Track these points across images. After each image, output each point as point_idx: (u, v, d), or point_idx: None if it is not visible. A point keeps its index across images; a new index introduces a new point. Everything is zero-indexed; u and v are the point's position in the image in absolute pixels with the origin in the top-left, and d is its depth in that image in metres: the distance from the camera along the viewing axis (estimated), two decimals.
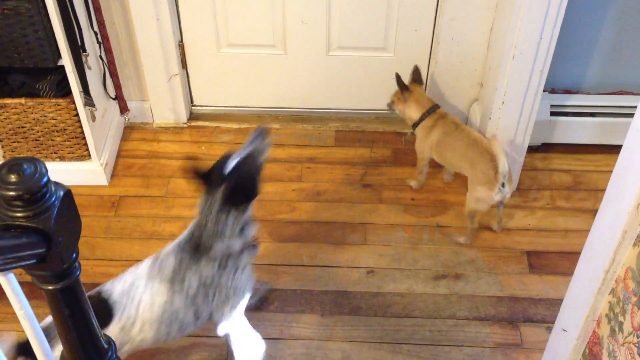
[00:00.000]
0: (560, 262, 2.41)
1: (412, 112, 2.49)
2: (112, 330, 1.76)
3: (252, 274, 1.92)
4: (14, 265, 1.05)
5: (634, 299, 1.27)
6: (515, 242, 2.47)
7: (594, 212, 1.52)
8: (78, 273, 1.20)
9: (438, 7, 2.56)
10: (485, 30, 2.52)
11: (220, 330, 1.93)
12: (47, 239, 1.06)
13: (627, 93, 2.67)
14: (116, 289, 1.81)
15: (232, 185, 1.76)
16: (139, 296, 1.80)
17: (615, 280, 1.34)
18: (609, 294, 1.39)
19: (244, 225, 1.82)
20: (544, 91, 2.44)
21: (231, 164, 1.79)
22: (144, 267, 1.86)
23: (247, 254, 1.86)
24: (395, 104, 2.54)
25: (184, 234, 1.87)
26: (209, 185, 1.80)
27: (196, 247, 1.80)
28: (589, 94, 2.69)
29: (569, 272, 1.68)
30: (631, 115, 1.27)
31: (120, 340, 1.77)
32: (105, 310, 1.77)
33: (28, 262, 1.08)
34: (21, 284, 1.19)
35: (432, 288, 2.34)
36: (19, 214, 1.04)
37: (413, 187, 2.64)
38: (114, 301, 1.78)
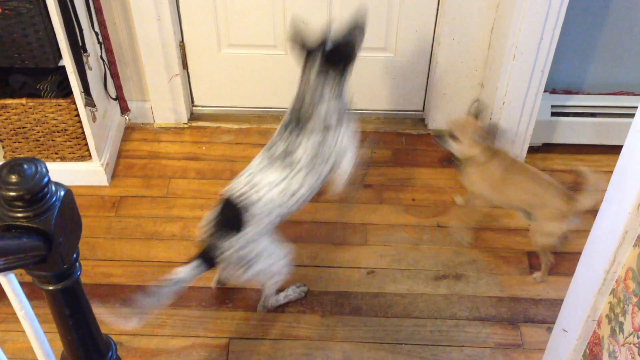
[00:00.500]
0: (560, 262, 2.41)
1: (470, 148, 2.26)
2: (251, 223, 1.91)
3: (354, 136, 2.04)
4: (14, 265, 1.05)
5: (635, 299, 1.27)
6: (516, 242, 2.47)
7: (595, 212, 1.52)
8: (79, 273, 1.20)
9: (439, 7, 2.56)
10: (486, 30, 2.52)
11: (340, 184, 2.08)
12: (47, 239, 1.07)
13: (627, 93, 2.67)
14: (239, 186, 1.94)
15: (332, 46, 1.88)
16: (261, 184, 1.93)
17: (616, 281, 1.34)
18: (610, 295, 1.39)
19: (342, 90, 1.92)
20: (544, 91, 2.45)
21: (328, 31, 1.90)
22: (256, 161, 1.98)
23: (347, 117, 1.98)
24: (448, 138, 2.28)
25: (285, 115, 1.98)
26: (310, 51, 1.91)
27: (298, 120, 1.93)
28: (589, 94, 2.69)
29: (569, 273, 1.68)
30: (632, 115, 1.27)
31: (257, 228, 1.93)
32: (236, 211, 1.90)
33: (28, 263, 1.09)
34: (22, 284, 1.19)
35: (433, 288, 2.34)
36: (19, 215, 1.05)
37: (457, 203, 2.56)
38: (240, 194, 1.92)
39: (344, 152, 2.01)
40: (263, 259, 2.00)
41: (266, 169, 1.96)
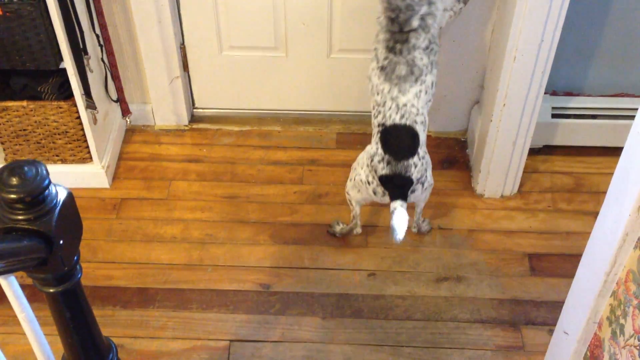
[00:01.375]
0: (562, 264, 2.41)
1: None
2: (420, 135, 2.07)
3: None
4: (15, 268, 1.05)
5: (635, 301, 1.27)
6: (517, 244, 2.47)
7: (595, 214, 1.51)
8: (79, 276, 1.20)
9: None
10: (486, 32, 2.52)
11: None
12: (48, 241, 1.07)
13: (628, 95, 2.67)
14: (392, 113, 2.06)
15: None
16: (408, 100, 2.05)
17: (617, 283, 1.34)
18: (610, 297, 1.39)
19: None
20: (545, 93, 2.44)
21: None
22: (385, 87, 2.07)
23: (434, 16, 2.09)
24: None
25: (381, 33, 2.07)
26: None
27: (401, 29, 2.02)
28: (590, 96, 2.69)
29: (570, 275, 1.68)
30: (633, 117, 1.28)
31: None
32: (405, 130, 2.05)
33: (29, 265, 1.09)
34: (22, 286, 1.19)
35: (434, 290, 2.34)
36: (20, 217, 1.05)
37: None
38: (401, 116, 2.05)
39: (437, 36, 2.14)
40: (428, 167, 2.14)
41: (402, 89, 2.06)
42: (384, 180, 2.06)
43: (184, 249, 2.46)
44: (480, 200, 2.62)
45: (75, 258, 1.18)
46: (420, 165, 2.07)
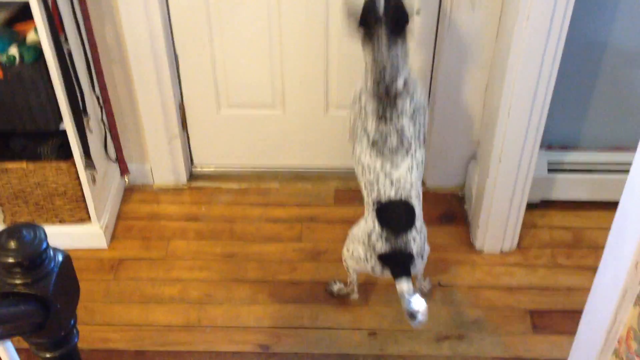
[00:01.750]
0: (564, 321, 2.38)
1: None
2: (417, 208, 2.07)
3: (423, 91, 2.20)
4: (11, 333, 1.04)
5: (637, 359, 1.26)
6: (518, 301, 2.45)
7: (595, 269, 1.51)
8: (76, 340, 1.19)
9: (433, 66, 2.61)
10: (480, 89, 2.56)
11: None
12: (45, 306, 1.06)
13: (623, 149, 2.69)
14: (386, 188, 2.06)
15: (391, 18, 2.00)
16: (402, 174, 2.06)
17: (618, 341, 1.32)
18: (612, 355, 1.37)
19: (409, 52, 2.08)
20: (540, 148, 2.46)
21: (380, 3, 2.02)
22: (377, 163, 2.07)
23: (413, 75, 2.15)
24: None
25: (367, 103, 2.09)
26: (368, 27, 2.03)
27: (387, 95, 2.05)
28: (585, 149, 2.71)
29: (573, 332, 1.66)
30: (628, 171, 1.28)
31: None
32: (402, 205, 2.04)
33: (26, 330, 1.08)
34: (18, 350, 1.17)
35: (435, 349, 2.31)
36: (17, 281, 1.04)
37: None
38: (395, 191, 2.05)
39: (422, 105, 2.16)
40: (425, 236, 2.12)
41: (395, 162, 2.07)
42: (383, 258, 2.04)
43: (182, 309, 2.43)
44: (480, 256, 2.61)
45: (72, 322, 1.17)
46: (419, 240, 2.05)
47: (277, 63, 2.64)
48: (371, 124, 2.08)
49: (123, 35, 2.47)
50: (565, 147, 2.70)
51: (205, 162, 2.95)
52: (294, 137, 2.85)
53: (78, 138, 2.35)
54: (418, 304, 1.93)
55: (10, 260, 1.03)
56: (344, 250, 2.22)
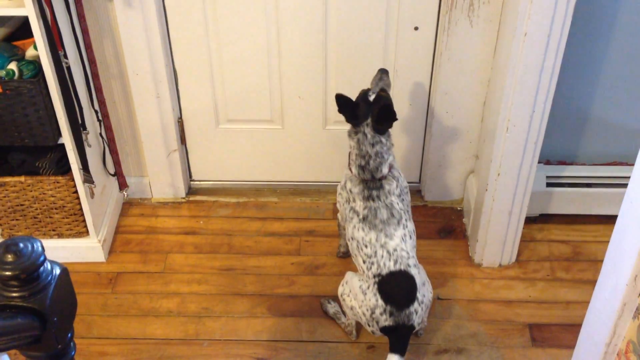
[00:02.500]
0: (563, 334, 2.38)
1: None
2: (417, 277, 2.12)
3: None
4: (8, 346, 1.04)
5: None
6: (517, 314, 2.45)
7: (594, 283, 1.51)
8: (73, 353, 1.19)
9: (432, 81, 2.62)
10: (478, 103, 2.57)
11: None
12: (42, 319, 1.06)
13: (621, 164, 2.70)
14: (384, 260, 2.10)
15: (378, 119, 2.11)
16: (397, 245, 2.12)
17: (617, 354, 1.32)
18: None
19: (391, 142, 2.19)
20: (539, 162, 2.47)
21: (370, 98, 2.15)
22: (372, 236, 2.13)
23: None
24: None
25: (352, 185, 2.19)
26: (357, 120, 2.14)
27: (373, 176, 2.15)
28: (584, 164, 2.71)
29: (572, 345, 1.66)
30: (626, 185, 1.28)
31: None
32: (402, 277, 2.09)
33: (22, 343, 1.07)
34: None
35: None
36: (14, 294, 1.04)
37: None
38: (394, 262, 2.10)
39: (406, 187, 2.28)
40: (428, 289, 2.19)
41: (388, 233, 2.13)
42: (386, 330, 2.09)
43: (180, 323, 2.42)
44: (479, 270, 2.61)
45: (69, 335, 1.16)
46: (420, 311, 2.09)
47: (275, 78, 2.64)
48: (359, 204, 2.16)
49: (122, 50, 2.48)
50: (563, 161, 2.71)
51: (204, 176, 2.96)
52: (292, 151, 2.85)
53: (77, 152, 2.35)
54: None
55: (8, 273, 1.03)
56: (343, 296, 2.22)
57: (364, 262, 2.12)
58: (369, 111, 2.12)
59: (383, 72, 2.25)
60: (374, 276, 2.09)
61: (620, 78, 2.48)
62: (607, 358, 1.34)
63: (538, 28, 2.04)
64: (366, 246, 2.13)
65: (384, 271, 2.08)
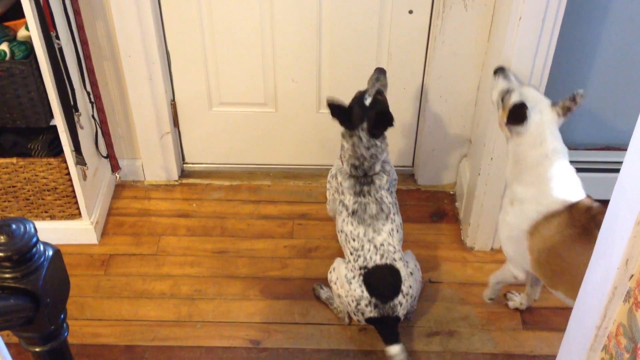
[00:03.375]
0: (553, 317, 2.40)
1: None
2: (402, 270, 2.15)
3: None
4: (0, 327, 1.04)
5: (626, 355, 1.26)
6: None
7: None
8: (66, 334, 1.19)
9: (426, 65, 2.61)
10: (472, 88, 2.57)
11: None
12: (35, 300, 1.06)
13: (614, 148, 2.70)
14: (371, 254, 2.14)
15: (375, 121, 2.10)
16: (384, 239, 2.15)
17: (607, 337, 1.33)
18: (602, 351, 1.38)
19: (385, 143, 2.19)
20: None
21: (366, 102, 2.13)
22: (360, 230, 2.16)
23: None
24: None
25: (344, 180, 2.20)
26: (351, 124, 2.13)
27: (365, 175, 2.16)
28: (576, 149, 2.72)
29: (562, 328, 1.67)
30: (619, 170, 1.29)
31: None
32: (387, 270, 2.13)
33: (15, 324, 1.07)
34: (7, 345, 1.17)
35: (426, 345, 2.31)
36: (7, 275, 1.04)
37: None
38: (380, 256, 2.14)
39: (395, 179, 2.30)
40: (416, 277, 2.21)
41: (376, 228, 2.15)
42: (371, 321, 2.14)
43: (173, 305, 2.43)
44: (471, 253, 2.62)
45: (62, 316, 1.16)
46: (405, 302, 2.13)
47: (269, 61, 2.63)
48: (349, 199, 2.18)
49: (114, 31, 2.47)
50: None
51: (197, 159, 2.95)
52: (285, 135, 2.85)
53: (69, 134, 2.34)
54: None
55: (0, 254, 1.03)
56: (331, 283, 2.25)
57: (351, 253, 2.16)
58: (364, 116, 2.11)
59: (380, 72, 2.23)
60: (360, 268, 2.13)
61: (614, 63, 2.48)
62: (597, 341, 1.35)
63: (533, 12, 2.04)
64: (354, 239, 2.16)
65: (370, 264, 2.12)
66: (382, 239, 2.14)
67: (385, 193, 2.19)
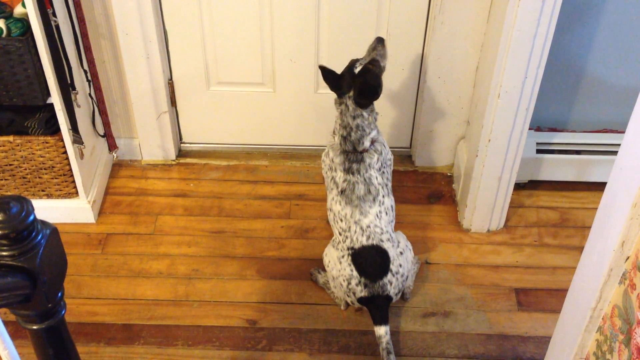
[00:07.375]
0: (548, 299, 2.41)
1: None
2: (390, 250, 2.17)
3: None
4: None
5: (621, 337, 1.27)
6: (504, 279, 2.47)
7: (581, 249, 1.52)
8: (63, 312, 1.19)
9: (424, 46, 2.60)
10: (471, 69, 2.56)
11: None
12: (32, 278, 1.06)
13: (611, 131, 2.71)
14: (358, 235, 2.15)
15: (360, 89, 2.09)
16: (371, 220, 2.16)
17: (602, 318, 1.34)
18: (597, 332, 1.39)
19: (374, 116, 2.18)
20: (529, 129, 2.47)
21: (356, 70, 2.12)
22: (347, 211, 2.17)
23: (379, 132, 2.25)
24: None
25: (335, 156, 2.21)
26: (341, 91, 2.14)
27: (354, 148, 2.16)
28: (574, 131, 2.72)
29: (557, 310, 1.68)
30: (616, 152, 1.29)
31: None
32: (374, 250, 2.15)
33: (12, 302, 1.08)
34: (5, 323, 1.17)
35: (421, 326, 2.33)
36: (4, 253, 1.04)
37: None
38: (367, 237, 2.15)
39: (389, 160, 2.28)
40: (407, 257, 2.22)
41: (363, 210, 2.16)
42: (363, 301, 2.16)
43: (170, 284, 2.44)
44: (467, 235, 2.63)
45: (59, 294, 1.17)
46: (395, 281, 2.15)
47: (267, 40, 2.62)
48: (339, 175, 2.18)
49: (112, 9, 2.45)
50: (554, 128, 2.71)
51: (194, 138, 2.94)
52: (283, 115, 2.84)
53: (66, 112, 2.33)
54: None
55: None
56: (327, 267, 2.27)
57: (340, 234, 2.18)
58: (352, 84, 2.11)
59: (378, 42, 2.21)
60: (348, 248, 2.15)
61: (613, 45, 2.47)
62: (592, 322, 1.36)
63: None
64: (341, 220, 2.17)
65: (357, 245, 2.14)
66: (368, 222, 2.15)
67: (376, 173, 2.18)
